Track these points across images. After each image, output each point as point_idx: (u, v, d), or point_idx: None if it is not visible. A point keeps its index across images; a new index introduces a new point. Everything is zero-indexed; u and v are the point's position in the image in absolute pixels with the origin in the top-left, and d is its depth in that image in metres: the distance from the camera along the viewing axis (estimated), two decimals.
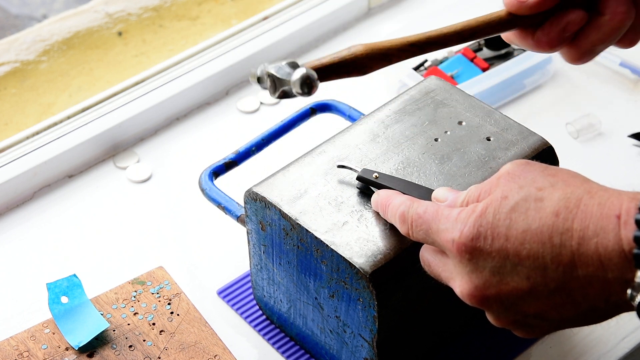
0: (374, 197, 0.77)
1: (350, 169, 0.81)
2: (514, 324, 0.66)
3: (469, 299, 0.66)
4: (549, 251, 0.62)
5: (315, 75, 0.69)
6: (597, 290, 0.61)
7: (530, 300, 0.64)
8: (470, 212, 0.65)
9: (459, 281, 0.66)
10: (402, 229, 0.72)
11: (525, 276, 0.63)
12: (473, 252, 0.64)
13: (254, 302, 0.93)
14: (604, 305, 0.62)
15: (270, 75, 0.70)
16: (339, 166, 0.81)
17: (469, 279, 0.65)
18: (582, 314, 0.63)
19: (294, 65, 0.70)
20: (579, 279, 0.61)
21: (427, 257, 0.71)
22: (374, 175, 0.79)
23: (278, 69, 0.70)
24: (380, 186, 0.78)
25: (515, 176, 0.65)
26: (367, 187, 0.79)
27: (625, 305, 0.61)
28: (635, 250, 0.58)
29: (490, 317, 0.67)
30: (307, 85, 0.68)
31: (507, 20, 0.75)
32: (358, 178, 0.79)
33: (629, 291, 0.60)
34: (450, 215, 0.66)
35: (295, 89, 0.69)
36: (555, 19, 0.74)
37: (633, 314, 0.61)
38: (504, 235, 0.63)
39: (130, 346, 0.89)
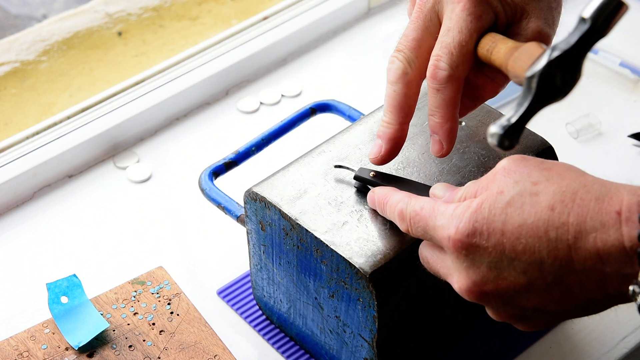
0: (369, 195, 0.77)
1: (347, 168, 0.81)
2: (513, 317, 0.67)
3: (467, 294, 0.66)
4: (545, 245, 0.62)
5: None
6: (594, 283, 0.62)
7: (528, 294, 0.64)
8: (466, 208, 0.65)
9: (457, 277, 0.66)
10: (401, 227, 0.72)
11: (522, 271, 0.63)
12: (469, 248, 0.64)
13: (254, 302, 0.93)
14: (602, 297, 0.62)
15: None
16: (336, 166, 0.81)
17: (467, 275, 0.65)
18: (581, 306, 0.64)
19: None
20: (576, 273, 0.61)
21: (426, 253, 0.71)
22: (370, 174, 0.79)
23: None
24: (377, 185, 0.78)
25: (511, 171, 0.66)
26: (365, 186, 0.79)
27: (623, 297, 0.62)
28: None
29: (489, 312, 0.67)
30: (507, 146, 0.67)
31: None
32: (355, 177, 0.79)
33: (631, 288, 0.60)
34: (446, 212, 0.66)
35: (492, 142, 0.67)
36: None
37: (633, 313, 0.61)
38: (500, 231, 0.63)
39: (130, 346, 0.89)
